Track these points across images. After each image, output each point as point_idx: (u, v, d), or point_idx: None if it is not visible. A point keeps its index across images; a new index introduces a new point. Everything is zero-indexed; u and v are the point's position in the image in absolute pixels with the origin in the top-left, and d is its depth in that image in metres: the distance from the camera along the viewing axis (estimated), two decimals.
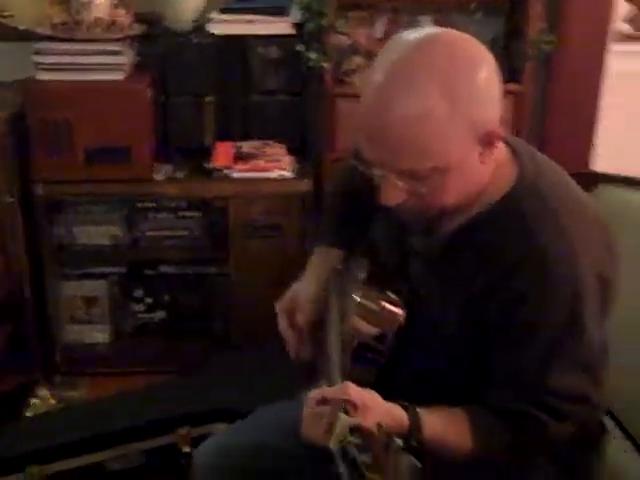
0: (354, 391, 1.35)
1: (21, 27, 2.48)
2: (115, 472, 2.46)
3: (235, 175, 2.74)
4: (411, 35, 1.34)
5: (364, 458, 1.21)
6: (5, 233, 2.75)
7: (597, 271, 1.38)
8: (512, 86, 2.82)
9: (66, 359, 2.93)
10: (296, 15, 2.74)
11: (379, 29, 2.86)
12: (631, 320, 1.74)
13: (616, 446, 1.73)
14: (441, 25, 2.75)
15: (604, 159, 3.00)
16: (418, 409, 1.38)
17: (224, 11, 2.73)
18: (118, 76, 2.63)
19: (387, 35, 2.82)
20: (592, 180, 1.96)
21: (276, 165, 2.75)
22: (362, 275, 1.57)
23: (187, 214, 2.87)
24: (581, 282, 1.35)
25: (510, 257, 1.37)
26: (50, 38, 2.59)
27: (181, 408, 2.40)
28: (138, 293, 2.98)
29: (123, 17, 2.64)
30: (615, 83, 2.99)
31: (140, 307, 3.00)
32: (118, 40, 2.63)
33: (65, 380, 2.87)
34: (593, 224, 1.43)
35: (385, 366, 1.51)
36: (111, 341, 3.01)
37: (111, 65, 2.62)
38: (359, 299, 1.52)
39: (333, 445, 1.25)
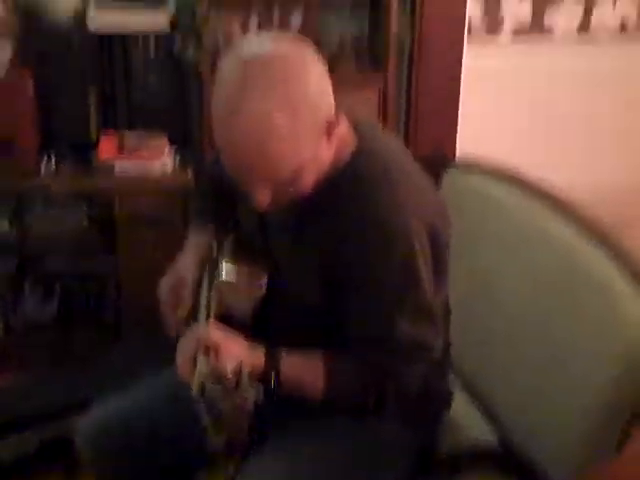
0: (215, 332, 1.49)
1: None
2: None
3: (119, 167, 2.80)
4: (243, 53, 1.41)
5: (223, 406, 1.35)
6: None
7: (428, 230, 1.51)
8: (377, 76, 3.02)
9: None
10: (171, 9, 2.84)
11: (252, 25, 2.99)
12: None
13: (460, 404, 1.89)
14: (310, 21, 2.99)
15: (466, 145, 3.22)
16: (279, 352, 1.52)
17: (101, 5, 2.78)
18: None
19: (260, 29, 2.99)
20: (443, 162, 2.12)
21: (158, 155, 2.83)
22: (228, 249, 1.70)
23: (73, 209, 2.93)
24: (413, 239, 1.48)
25: (349, 220, 1.50)
26: None
27: (71, 398, 2.43)
28: (27, 288, 3.02)
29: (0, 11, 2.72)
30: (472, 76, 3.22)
31: (30, 302, 3.03)
32: None
33: None
34: (426, 189, 1.59)
35: (252, 328, 1.62)
36: (1, 337, 3.02)
37: None
38: (224, 274, 1.64)
39: (195, 388, 1.37)
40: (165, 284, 1.73)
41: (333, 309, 1.56)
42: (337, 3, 3.06)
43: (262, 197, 1.45)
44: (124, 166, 2.81)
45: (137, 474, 1.77)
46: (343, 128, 1.53)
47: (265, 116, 1.34)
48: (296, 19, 3.05)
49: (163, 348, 1.66)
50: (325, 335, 1.58)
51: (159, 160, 2.82)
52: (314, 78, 1.41)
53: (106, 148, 2.85)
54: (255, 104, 1.34)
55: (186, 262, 1.76)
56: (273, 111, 1.34)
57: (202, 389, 1.37)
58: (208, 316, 1.62)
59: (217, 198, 1.84)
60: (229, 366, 1.39)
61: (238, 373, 1.36)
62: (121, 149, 2.86)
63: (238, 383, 1.35)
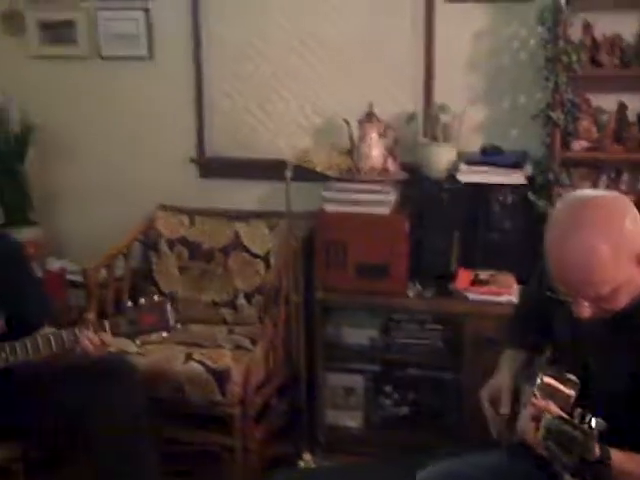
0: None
1: (318, 170, 3.33)
2: None
3: (471, 297, 3.37)
4: (576, 197, 1.90)
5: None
6: (290, 327, 3.56)
7: None
8: None
9: (327, 437, 3.61)
10: (529, 169, 3.39)
11: (601, 185, 3.42)
12: None
13: None
14: None
15: None
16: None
17: (470, 163, 3.43)
18: (384, 211, 3.42)
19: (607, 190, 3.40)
20: None
21: (506, 291, 3.34)
22: (543, 364, 2.11)
23: (431, 326, 3.50)
24: None
25: None
26: (337, 179, 3.46)
27: None
28: (388, 389, 3.62)
29: (391, 165, 3.48)
30: None
31: (388, 401, 3.63)
32: (387, 183, 3.44)
33: (324, 453, 3.55)
34: None
35: None
36: (363, 427, 3.66)
37: (380, 202, 3.41)
38: (540, 380, 1.98)
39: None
40: (485, 392, 2.19)
41: (635, 409, 1.90)
42: None
43: (583, 308, 1.88)
44: (475, 295, 3.35)
45: None
46: None
47: (591, 247, 1.80)
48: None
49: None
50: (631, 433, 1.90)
51: (506, 294, 3.32)
52: (629, 219, 1.84)
53: (462, 280, 3.42)
54: (585, 236, 1.81)
55: (503, 374, 2.21)
56: (598, 243, 1.79)
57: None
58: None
59: (532, 320, 2.28)
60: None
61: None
62: (474, 282, 3.40)
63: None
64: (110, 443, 2.77)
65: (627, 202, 1.90)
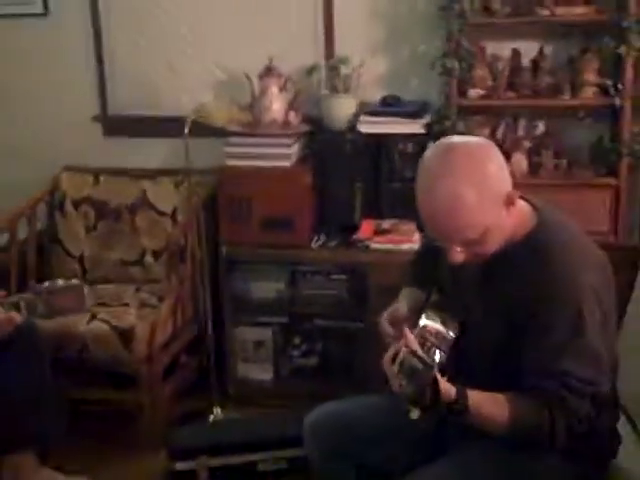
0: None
1: (216, 124, 3.32)
2: (263, 473, 3.05)
3: (374, 246, 3.41)
4: (438, 148, 1.95)
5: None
6: (195, 283, 3.55)
7: (597, 288, 1.92)
8: (610, 180, 3.39)
9: (237, 390, 3.65)
10: (428, 119, 3.43)
11: (500, 132, 3.50)
12: None
13: (630, 448, 2.16)
14: (553, 128, 3.36)
15: None
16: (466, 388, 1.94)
17: (371, 114, 3.46)
18: (287, 163, 3.43)
19: (504, 137, 3.47)
20: None
21: (407, 239, 3.39)
22: (430, 302, 2.15)
23: (336, 277, 3.53)
24: (584, 294, 1.90)
25: (533, 274, 1.94)
26: (238, 134, 3.45)
27: None
28: (296, 340, 3.67)
29: (293, 118, 3.48)
30: None
31: (297, 352, 3.68)
32: (288, 136, 3.45)
33: (236, 407, 3.57)
34: (594, 255, 2.00)
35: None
36: (273, 379, 3.70)
37: (282, 155, 3.42)
38: (425, 319, 2.06)
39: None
40: (385, 319, 2.21)
41: (511, 348, 1.95)
42: (580, 113, 3.45)
43: (455, 254, 1.93)
44: (378, 245, 3.40)
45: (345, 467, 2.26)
46: (525, 208, 2.00)
47: (455, 193, 1.84)
48: (539, 128, 3.51)
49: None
50: (505, 377, 1.96)
51: (408, 242, 3.37)
52: (493, 164, 1.89)
53: (365, 230, 3.47)
54: (448, 182, 1.85)
55: (400, 305, 2.25)
56: (462, 189, 1.83)
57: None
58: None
59: (424, 264, 2.33)
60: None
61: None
62: (377, 232, 3.45)
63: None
64: (13, 404, 2.78)
65: (491, 147, 1.94)
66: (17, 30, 3.99)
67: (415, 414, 1.84)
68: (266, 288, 3.60)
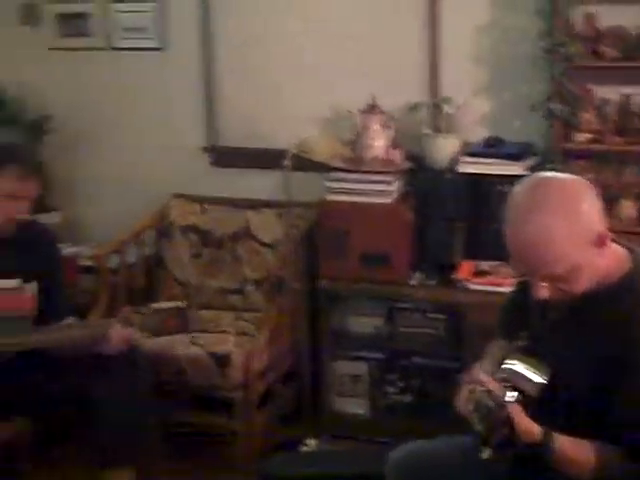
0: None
1: (317, 159, 3.38)
2: None
3: (473, 287, 3.41)
4: (530, 182, 1.91)
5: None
6: (294, 316, 3.61)
7: None
8: None
9: (332, 423, 3.67)
10: (531, 161, 3.41)
11: (606, 177, 3.39)
12: None
13: None
14: None
15: None
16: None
17: (472, 154, 3.46)
18: (388, 200, 3.46)
19: (610, 182, 3.37)
20: None
21: (507, 281, 3.34)
22: (516, 345, 2.10)
23: (434, 316, 3.52)
24: None
25: (624, 318, 1.90)
26: (339, 169, 3.50)
27: None
28: (393, 377, 3.65)
29: (394, 156, 3.51)
30: None
31: (393, 389, 3.66)
32: (390, 173, 3.48)
33: (329, 439, 3.58)
34: None
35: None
36: (367, 414, 3.70)
37: (383, 192, 3.46)
38: (506, 365, 2.01)
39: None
40: (466, 376, 2.15)
41: (601, 396, 1.90)
42: None
43: (541, 289, 1.91)
44: (477, 286, 3.39)
45: None
46: (619, 251, 1.97)
47: (544, 225, 1.82)
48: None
49: None
50: (592, 427, 1.92)
51: (507, 285, 3.33)
52: (586, 202, 1.86)
53: (464, 271, 3.45)
54: (538, 215, 1.83)
55: (483, 362, 2.19)
56: (552, 222, 1.82)
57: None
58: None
59: (514, 310, 2.28)
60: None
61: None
62: (476, 273, 3.44)
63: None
64: (115, 421, 2.88)
65: (586, 185, 1.90)
66: (134, 63, 4.16)
67: (486, 454, 1.82)
68: (364, 323, 3.63)
